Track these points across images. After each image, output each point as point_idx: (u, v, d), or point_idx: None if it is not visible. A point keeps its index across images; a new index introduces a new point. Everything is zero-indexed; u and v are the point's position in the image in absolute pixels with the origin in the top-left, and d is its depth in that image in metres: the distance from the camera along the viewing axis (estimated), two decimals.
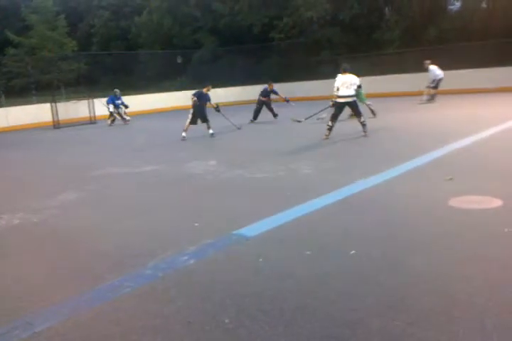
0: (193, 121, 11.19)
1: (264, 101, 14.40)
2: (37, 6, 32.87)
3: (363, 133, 9.27)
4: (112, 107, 16.91)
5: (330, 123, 9.38)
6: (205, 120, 11.09)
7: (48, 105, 17.56)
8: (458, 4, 25.34)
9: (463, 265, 3.19)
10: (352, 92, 9.23)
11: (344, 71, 9.39)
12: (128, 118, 17.10)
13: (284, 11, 26.35)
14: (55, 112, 17.26)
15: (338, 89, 9.25)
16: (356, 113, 9.51)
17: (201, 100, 11.05)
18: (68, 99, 19.75)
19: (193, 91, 11.33)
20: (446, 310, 2.62)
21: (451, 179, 5.39)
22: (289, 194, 5.37)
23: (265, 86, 14.86)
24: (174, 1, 32.47)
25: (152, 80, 25.54)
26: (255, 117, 14.35)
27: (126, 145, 11.59)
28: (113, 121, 17.03)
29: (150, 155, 9.36)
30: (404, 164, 6.43)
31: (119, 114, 17.10)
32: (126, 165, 8.24)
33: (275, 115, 14.39)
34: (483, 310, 2.58)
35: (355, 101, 9.43)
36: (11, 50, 29.90)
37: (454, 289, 2.86)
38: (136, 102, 20.71)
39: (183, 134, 11.04)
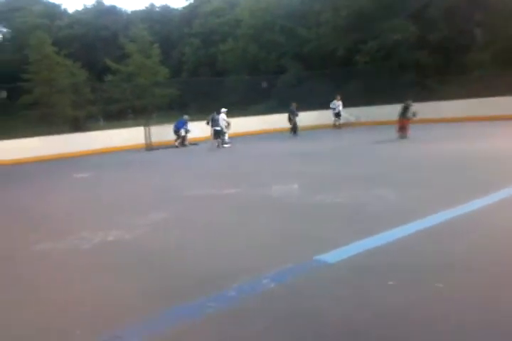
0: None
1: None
2: (134, 36, 35.42)
3: None
4: (183, 131, 18.67)
5: None
6: (218, 136, 17.19)
7: (141, 128, 18.78)
8: None
9: None
10: None
11: None
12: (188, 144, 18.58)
13: (368, 35, 26.23)
14: (148, 135, 18.40)
15: None
16: None
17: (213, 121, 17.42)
18: (160, 122, 20.99)
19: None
20: None
21: None
22: (372, 221, 5.30)
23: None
24: (259, 27, 33.55)
25: (238, 105, 26.42)
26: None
27: (212, 167, 12.05)
28: (182, 143, 18.73)
29: (233, 178, 9.64)
30: (495, 193, 6.07)
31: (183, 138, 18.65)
32: (211, 187, 8.56)
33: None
34: None
35: None
36: (109, 77, 32.34)
37: None
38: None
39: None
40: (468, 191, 6.38)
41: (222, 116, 17.91)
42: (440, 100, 21.30)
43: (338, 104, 22.14)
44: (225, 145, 17.43)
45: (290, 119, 20.12)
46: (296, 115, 20.13)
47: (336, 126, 22.09)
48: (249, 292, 3.55)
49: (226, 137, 17.93)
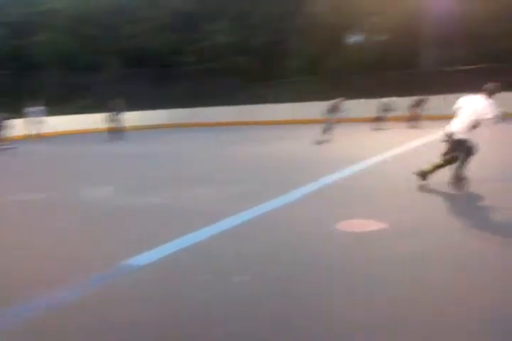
0: None
1: None
2: None
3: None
4: None
5: None
6: None
7: None
8: (358, 37, 26.98)
9: (343, 285, 3.33)
10: None
11: None
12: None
13: (193, 36, 26.58)
14: None
15: None
16: None
17: None
18: None
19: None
20: (328, 327, 2.71)
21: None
22: (184, 221, 5.31)
23: None
24: (77, 20, 31.51)
25: (51, 101, 24.28)
26: None
27: (16, 170, 10.87)
28: None
29: (40, 182, 8.83)
30: (296, 190, 6.58)
31: None
32: (14, 192, 7.68)
33: None
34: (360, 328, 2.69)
35: None
36: None
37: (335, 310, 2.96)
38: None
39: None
40: (274, 189, 6.84)
41: None
42: (259, 103, 22.74)
43: (33, 110, 20.13)
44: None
45: (112, 119, 18.15)
46: (122, 114, 18.20)
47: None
48: (47, 306, 3.20)
49: None
